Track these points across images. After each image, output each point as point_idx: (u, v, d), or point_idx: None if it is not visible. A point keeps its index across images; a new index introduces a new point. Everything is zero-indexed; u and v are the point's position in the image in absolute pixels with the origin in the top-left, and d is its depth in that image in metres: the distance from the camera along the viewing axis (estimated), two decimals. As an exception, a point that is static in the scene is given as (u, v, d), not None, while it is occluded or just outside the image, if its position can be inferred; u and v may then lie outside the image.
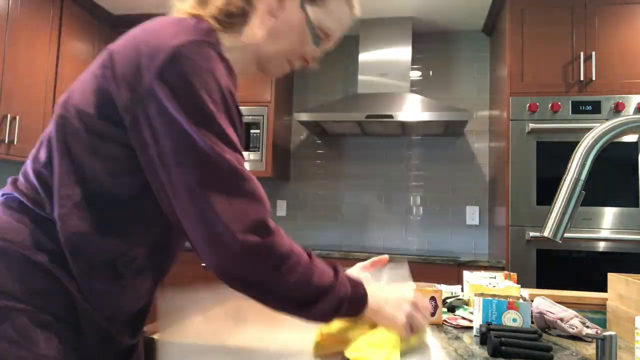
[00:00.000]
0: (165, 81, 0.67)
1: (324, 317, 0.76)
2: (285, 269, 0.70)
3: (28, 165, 0.76)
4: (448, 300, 1.34)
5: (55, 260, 0.69)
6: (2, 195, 0.75)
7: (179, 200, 0.67)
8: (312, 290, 0.72)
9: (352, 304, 0.77)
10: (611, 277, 1.22)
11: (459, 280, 2.66)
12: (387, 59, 3.19)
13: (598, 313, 1.29)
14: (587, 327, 1.05)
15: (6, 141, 2.57)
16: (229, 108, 0.74)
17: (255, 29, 0.83)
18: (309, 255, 0.75)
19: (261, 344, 1.00)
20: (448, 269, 2.67)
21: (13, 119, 2.60)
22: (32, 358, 0.64)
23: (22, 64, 2.68)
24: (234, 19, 0.81)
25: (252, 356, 0.94)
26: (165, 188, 0.68)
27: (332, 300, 0.74)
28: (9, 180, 0.77)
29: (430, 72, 3.47)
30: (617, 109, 2.48)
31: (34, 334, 0.65)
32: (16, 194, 0.72)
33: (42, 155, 0.74)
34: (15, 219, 0.70)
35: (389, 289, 0.84)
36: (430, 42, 3.48)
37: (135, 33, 0.75)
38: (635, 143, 2.46)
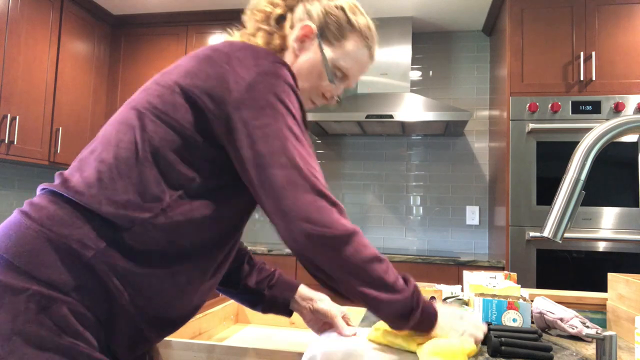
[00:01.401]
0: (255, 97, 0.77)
1: (396, 319, 0.80)
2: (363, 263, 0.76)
3: (87, 161, 0.78)
4: (448, 300, 1.34)
5: (102, 259, 0.71)
6: (47, 190, 0.77)
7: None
8: (382, 284, 0.77)
9: (425, 315, 0.82)
10: (611, 277, 1.22)
11: (459, 280, 2.66)
12: (387, 59, 3.19)
13: (598, 313, 1.29)
14: (587, 327, 1.05)
15: (6, 141, 2.57)
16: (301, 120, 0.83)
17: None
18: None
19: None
20: (448, 269, 2.67)
21: (13, 119, 2.60)
22: (65, 347, 0.67)
23: (22, 64, 2.68)
24: (276, 50, 0.93)
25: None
26: (257, 186, 0.77)
27: (404, 305, 0.79)
28: (57, 175, 0.79)
29: (430, 72, 3.47)
30: (617, 109, 2.48)
31: (71, 326, 0.68)
32: (64, 190, 0.75)
33: (110, 156, 0.77)
34: (66, 213, 0.73)
35: (454, 314, 0.89)
36: (430, 42, 3.49)
37: (218, 53, 0.82)
38: (635, 143, 2.46)
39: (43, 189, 0.78)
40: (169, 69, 0.85)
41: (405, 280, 0.82)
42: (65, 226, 0.71)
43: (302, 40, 0.93)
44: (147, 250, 0.74)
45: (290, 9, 0.94)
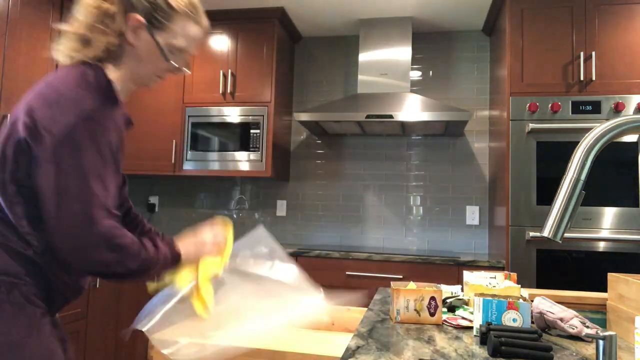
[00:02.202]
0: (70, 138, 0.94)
1: (153, 277, 1.10)
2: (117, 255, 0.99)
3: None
4: (448, 300, 1.34)
5: (39, 254, 0.98)
6: None
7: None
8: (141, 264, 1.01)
9: (170, 261, 1.10)
10: (611, 277, 1.22)
11: (459, 280, 2.66)
12: (387, 59, 3.19)
13: (598, 313, 1.29)
14: (587, 327, 1.05)
15: (6, 141, 2.57)
16: (114, 157, 0.99)
17: (127, 58, 1.07)
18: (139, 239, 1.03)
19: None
20: (448, 269, 2.67)
21: (13, 119, 2.60)
22: (28, 311, 0.96)
23: (22, 64, 2.68)
24: (113, 54, 1.05)
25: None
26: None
27: (157, 265, 1.05)
28: None
29: (430, 72, 3.47)
30: (617, 109, 2.49)
31: (29, 297, 0.97)
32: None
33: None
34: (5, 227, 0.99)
35: (192, 238, 1.18)
36: (430, 42, 3.49)
37: (45, 91, 1.01)
38: (635, 143, 2.46)
39: None
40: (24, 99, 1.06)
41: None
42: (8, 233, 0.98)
43: (134, 31, 1.04)
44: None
45: (119, 5, 1.03)
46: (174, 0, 1.06)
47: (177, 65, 1.11)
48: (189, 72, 1.16)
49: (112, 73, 1.06)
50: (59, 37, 1.08)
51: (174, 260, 1.11)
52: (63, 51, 1.06)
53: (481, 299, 1.04)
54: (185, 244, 1.14)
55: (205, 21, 1.16)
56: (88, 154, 0.93)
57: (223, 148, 3.18)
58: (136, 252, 0.99)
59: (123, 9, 1.03)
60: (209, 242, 1.20)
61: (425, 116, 2.84)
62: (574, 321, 1.07)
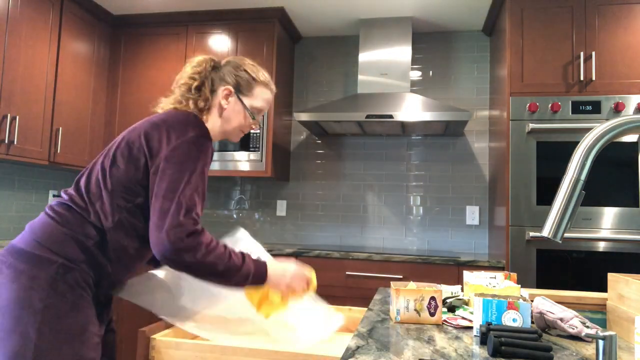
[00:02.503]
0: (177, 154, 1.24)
1: (238, 285, 1.26)
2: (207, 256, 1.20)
3: (87, 179, 1.29)
4: (448, 300, 1.34)
5: (97, 246, 1.22)
6: (59, 202, 1.26)
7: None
8: (227, 269, 1.22)
9: (256, 277, 1.27)
10: (611, 277, 1.22)
11: (459, 280, 2.66)
12: (387, 59, 3.19)
13: (598, 313, 1.29)
14: (587, 327, 1.05)
15: (6, 141, 2.57)
16: (204, 177, 1.27)
17: (215, 117, 1.42)
18: (225, 247, 1.24)
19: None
20: (448, 269, 2.67)
21: (13, 119, 2.60)
22: (76, 294, 1.17)
23: (22, 64, 2.68)
24: (203, 109, 1.40)
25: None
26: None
27: (242, 275, 1.24)
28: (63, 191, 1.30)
29: (430, 72, 3.47)
30: (617, 109, 2.49)
31: (79, 282, 1.18)
32: (76, 198, 1.25)
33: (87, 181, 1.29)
34: (76, 217, 1.23)
35: (281, 266, 1.36)
36: (430, 42, 3.49)
37: (165, 120, 1.30)
38: (635, 143, 2.46)
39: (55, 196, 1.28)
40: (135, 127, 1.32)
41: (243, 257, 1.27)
42: (76, 226, 1.22)
43: (226, 97, 1.41)
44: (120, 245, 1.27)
45: (204, 80, 1.40)
46: (255, 74, 1.44)
47: (256, 120, 1.46)
48: (259, 127, 1.48)
49: (206, 123, 1.41)
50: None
51: (259, 278, 1.28)
52: (166, 105, 1.41)
53: (481, 299, 1.04)
54: (274, 269, 1.32)
55: (273, 86, 1.51)
56: (197, 168, 1.22)
57: (223, 148, 3.18)
58: (224, 257, 1.21)
59: (210, 84, 1.41)
60: (296, 277, 1.36)
61: (426, 116, 2.84)
62: (574, 321, 1.07)
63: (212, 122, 1.41)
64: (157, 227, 1.16)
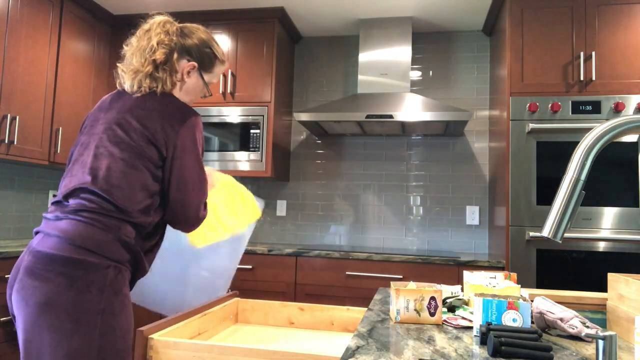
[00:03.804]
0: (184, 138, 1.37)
1: None
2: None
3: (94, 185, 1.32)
4: (448, 300, 1.34)
5: (137, 244, 1.30)
6: (86, 208, 1.30)
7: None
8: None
9: None
10: (611, 277, 1.22)
11: (459, 280, 2.66)
12: (387, 59, 3.19)
13: (598, 313, 1.29)
14: (587, 327, 1.05)
15: (6, 141, 2.57)
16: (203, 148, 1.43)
17: (177, 89, 1.47)
18: None
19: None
20: (448, 269, 2.67)
21: (13, 119, 2.60)
22: (124, 292, 1.26)
23: (22, 64, 2.68)
24: (174, 82, 1.45)
25: None
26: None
27: None
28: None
29: (430, 72, 3.47)
30: (617, 109, 2.49)
31: (125, 281, 1.27)
32: (102, 202, 1.29)
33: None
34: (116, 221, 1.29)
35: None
36: (430, 42, 3.49)
37: (158, 108, 1.37)
38: (635, 143, 2.46)
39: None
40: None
41: None
42: (117, 228, 1.27)
43: (188, 73, 1.46)
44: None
45: (173, 51, 1.43)
46: (217, 51, 1.52)
47: (211, 94, 1.57)
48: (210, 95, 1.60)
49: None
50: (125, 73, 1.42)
51: None
52: (138, 86, 1.40)
53: (481, 299, 1.04)
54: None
55: (224, 57, 1.58)
56: (201, 148, 1.39)
57: (223, 148, 3.18)
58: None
59: (178, 55, 1.43)
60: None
61: (426, 116, 2.84)
62: (574, 321, 1.07)
63: (176, 94, 1.46)
64: (190, 210, 1.35)
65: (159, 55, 1.39)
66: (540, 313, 1.13)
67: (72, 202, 1.26)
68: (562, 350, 0.97)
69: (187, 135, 1.33)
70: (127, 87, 1.40)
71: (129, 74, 1.40)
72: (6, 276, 2.27)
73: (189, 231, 1.40)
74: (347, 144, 3.53)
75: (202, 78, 1.48)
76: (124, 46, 1.47)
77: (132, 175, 1.28)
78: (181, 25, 1.50)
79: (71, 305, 1.16)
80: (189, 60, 1.45)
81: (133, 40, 1.45)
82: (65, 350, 1.14)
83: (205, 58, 1.47)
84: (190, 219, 1.36)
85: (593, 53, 2.54)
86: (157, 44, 1.40)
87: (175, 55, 1.42)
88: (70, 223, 1.22)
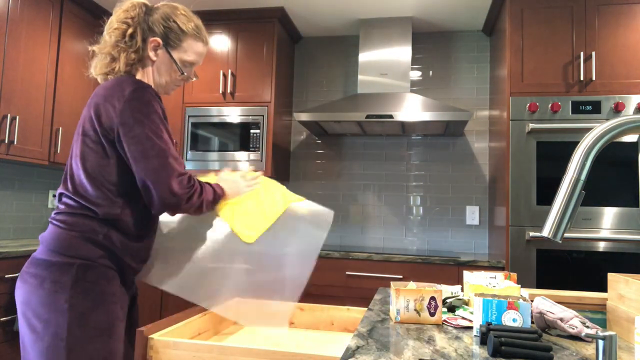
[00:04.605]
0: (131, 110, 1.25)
1: (211, 208, 1.38)
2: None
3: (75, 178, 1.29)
4: (448, 300, 1.34)
5: (106, 236, 1.25)
6: (59, 211, 1.29)
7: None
8: (214, 199, 1.37)
9: (218, 193, 1.39)
10: (611, 277, 1.22)
11: (459, 280, 2.66)
12: (387, 59, 3.19)
13: (598, 313, 1.29)
14: (587, 327, 1.05)
15: (6, 141, 2.57)
16: (162, 121, 1.29)
17: (148, 69, 1.38)
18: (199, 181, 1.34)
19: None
20: (448, 269, 2.67)
21: (13, 119, 2.60)
22: (101, 286, 1.23)
23: (22, 64, 2.68)
24: (135, 61, 1.35)
25: None
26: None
27: (217, 197, 1.38)
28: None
29: (430, 72, 3.47)
30: (617, 109, 2.49)
31: (102, 276, 1.24)
32: (71, 202, 1.27)
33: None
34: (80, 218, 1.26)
35: (231, 179, 1.45)
36: (430, 42, 3.49)
37: (102, 95, 1.28)
38: (635, 143, 2.46)
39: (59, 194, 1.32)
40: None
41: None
42: (83, 226, 1.25)
43: (154, 50, 1.36)
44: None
45: (136, 27, 1.34)
46: (185, 25, 1.38)
47: (188, 75, 1.41)
48: (196, 78, 1.49)
49: (142, 78, 1.38)
50: (92, 57, 1.39)
51: (220, 192, 1.40)
52: (99, 70, 1.35)
53: (481, 299, 1.04)
54: (225, 180, 1.44)
55: (207, 38, 1.46)
56: (151, 118, 1.25)
57: (223, 148, 3.18)
58: (209, 189, 1.34)
59: (141, 32, 1.34)
60: (246, 178, 1.49)
61: (425, 116, 2.84)
62: (574, 321, 1.07)
63: (147, 75, 1.37)
64: (157, 185, 1.21)
65: (124, 26, 1.32)
66: (540, 313, 1.13)
67: (57, 207, 1.30)
68: (562, 350, 0.97)
69: (127, 110, 1.22)
70: (93, 75, 1.37)
71: (93, 61, 1.37)
72: (6, 276, 2.28)
73: (174, 213, 1.27)
74: (347, 144, 3.53)
75: (170, 55, 1.36)
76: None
77: (93, 170, 1.25)
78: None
79: (41, 305, 1.19)
80: (153, 37, 1.35)
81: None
82: (38, 349, 1.18)
83: (170, 33, 1.35)
84: (165, 197, 1.21)
85: (593, 53, 2.54)
86: (116, 21, 1.34)
87: (139, 33, 1.33)
88: (49, 228, 1.28)
